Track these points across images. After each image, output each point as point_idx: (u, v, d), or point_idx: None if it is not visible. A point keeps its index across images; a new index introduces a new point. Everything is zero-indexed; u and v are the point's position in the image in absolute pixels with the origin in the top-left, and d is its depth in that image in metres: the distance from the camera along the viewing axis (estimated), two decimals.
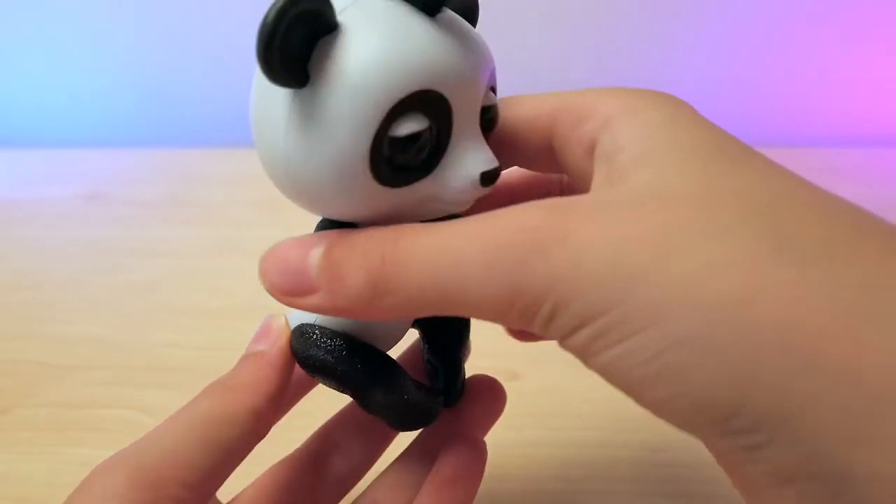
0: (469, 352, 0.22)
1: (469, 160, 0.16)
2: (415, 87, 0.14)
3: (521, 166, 0.20)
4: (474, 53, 0.15)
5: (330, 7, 0.14)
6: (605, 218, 0.13)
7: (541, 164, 0.19)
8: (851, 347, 0.11)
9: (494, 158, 0.16)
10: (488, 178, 0.16)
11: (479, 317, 0.15)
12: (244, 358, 0.20)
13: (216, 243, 0.55)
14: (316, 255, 0.16)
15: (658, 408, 0.13)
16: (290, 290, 0.16)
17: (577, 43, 0.74)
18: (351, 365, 0.18)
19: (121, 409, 0.36)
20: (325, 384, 0.19)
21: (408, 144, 0.15)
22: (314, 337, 0.19)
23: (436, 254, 0.14)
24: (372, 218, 0.17)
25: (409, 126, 0.14)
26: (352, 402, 0.24)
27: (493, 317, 0.14)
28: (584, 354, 0.14)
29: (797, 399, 0.11)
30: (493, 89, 0.17)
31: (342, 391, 0.19)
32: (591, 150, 0.16)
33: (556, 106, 0.17)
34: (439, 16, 0.15)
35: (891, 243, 0.13)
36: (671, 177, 0.14)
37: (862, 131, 0.77)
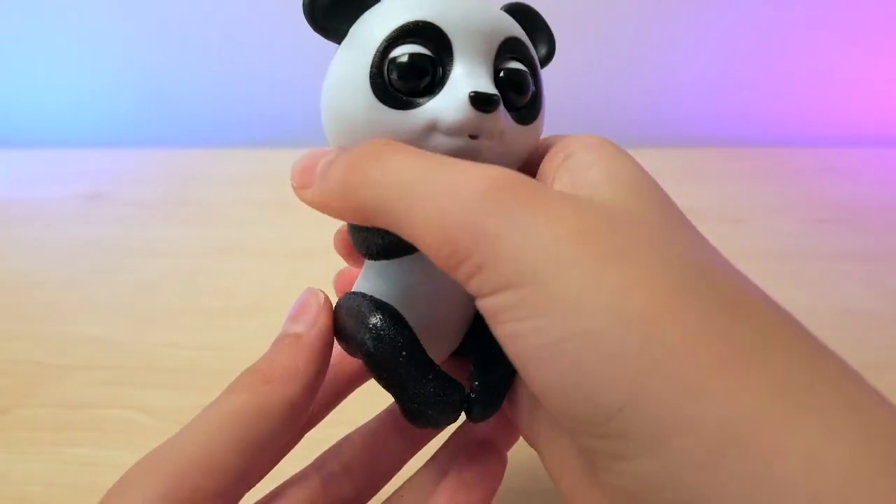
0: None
1: (462, 84, 0.17)
2: (413, 18, 0.17)
3: None
4: (485, 14, 0.18)
5: None
6: (560, 208, 0.14)
7: None
8: (727, 386, 0.12)
9: (492, 87, 0.17)
10: (478, 99, 0.16)
11: (416, 243, 0.15)
12: (280, 340, 0.19)
13: (216, 243, 0.55)
14: (325, 159, 0.18)
15: (545, 392, 0.14)
16: (298, 183, 0.19)
17: (578, 43, 0.74)
18: (395, 349, 0.18)
19: (121, 409, 0.36)
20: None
21: (404, 66, 0.17)
22: (361, 310, 0.19)
23: (400, 170, 0.15)
24: None
25: (405, 48, 0.17)
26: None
27: (427, 250, 0.15)
28: (493, 319, 0.14)
29: (675, 423, 0.12)
30: (521, 60, 0.19)
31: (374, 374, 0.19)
32: (546, 173, 0.18)
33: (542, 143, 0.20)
34: None
35: (770, 308, 0.14)
36: (627, 198, 0.16)
37: (862, 131, 0.77)
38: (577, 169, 0.17)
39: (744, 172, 0.69)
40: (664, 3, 0.72)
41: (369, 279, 0.21)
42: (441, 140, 0.17)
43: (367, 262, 0.21)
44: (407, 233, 0.15)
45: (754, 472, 0.11)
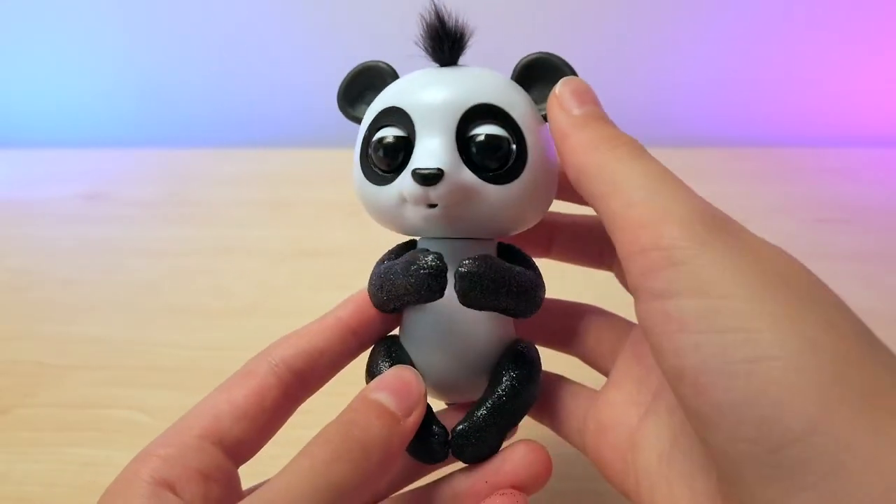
0: (514, 432, 0.22)
1: (416, 159, 0.19)
2: (386, 104, 0.20)
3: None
4: (450, 88, 0.20)
5: (373, 75, 0.22)
6: (766, 248, 0.17)
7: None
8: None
9: (439, 161, 0.19)
10: (418, 175, 0.18)
11: (611, 218, 0.18)
12: (372, 406, 0.18)
13: (216, 243, 0.55)
14: (595, 108, 0.20)
15: (721, 409, 0.14)
16: (573, 102, 0.20)
17: (578, 43, 0.74)
18: None
19: (121, 409, 0.36)
20: None
21: (381, 146, 0.20)
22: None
23: (646, 169, 0.18)
24: (387, 220, 0.21)
25: (381, 132, 0.20)
26: None
27: (626, 228, 0.17)
28: (672, 325, 0.16)
29: (856, 458, 0.13)
30: (498, 123, 0.20)
31: None
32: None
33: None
34: (454, 68, 0.21)
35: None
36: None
37: (862, 131, 0.77)
38: None
39: (744, 172, 0.69)
40: (664, 3, 0.72)
41: (402, 323, 0.23)
42: (410, 209, 0.20)
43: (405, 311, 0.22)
44: (616, 209, 0.17)
45: None
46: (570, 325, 0.26)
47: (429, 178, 0.18)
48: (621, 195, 0.17)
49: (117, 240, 0.56)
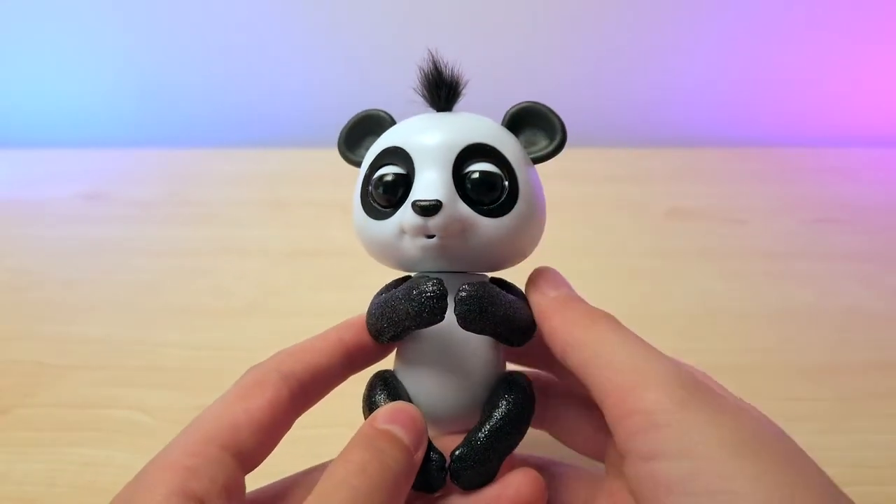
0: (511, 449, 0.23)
1: (415, 194, 0.20)
2: (388, 144, 0.22)
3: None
4: (447, 130, 0.21)
5: (372, 122, 0.24)
6: (739, 414, 0.17)
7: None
8: None
9: (437, 194, 0.20)
10: (418, 206, 0.20)
11: (593, 382, 0.19)
12: (384, 438, 0.19)
13: (216, 243, 0.55)
14: (567, 291, 0.23)
15: None
16: (550, 284, 0.22)
17: (578, 43, 0.74)
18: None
19: (121, 409, 0.36)
20: None
21: (381, 183, 0.21)
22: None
23: (624, 342, 0.20)
24: (384, 254, 0.22)
25: (382, 170, 0.21)
26: None
27: (608, 393, 0.18)
28: (659, 489, 0.17)
29: None
30: (492, 161, 0.21)
31: None
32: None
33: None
34: (449, 113, 0.23)
35: None
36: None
37: (862, 131, 0.77)
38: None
39: (744, 172, 0.69)
40: (664, 3, 0.72)
41: (397, 356, 0.23)
42: (409, 241, 0.21)
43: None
44: (601, 381, 0.19)
45: None
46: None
47: (428, 209, 0.20)
48: (605, 365, 0.19)
49: (117, 240, 0.56)
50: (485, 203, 0.21)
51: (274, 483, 0.22)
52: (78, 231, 0.57)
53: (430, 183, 0.20)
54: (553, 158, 0.22)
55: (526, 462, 0.23)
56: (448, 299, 0.20)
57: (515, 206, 0.21)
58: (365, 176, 0.22)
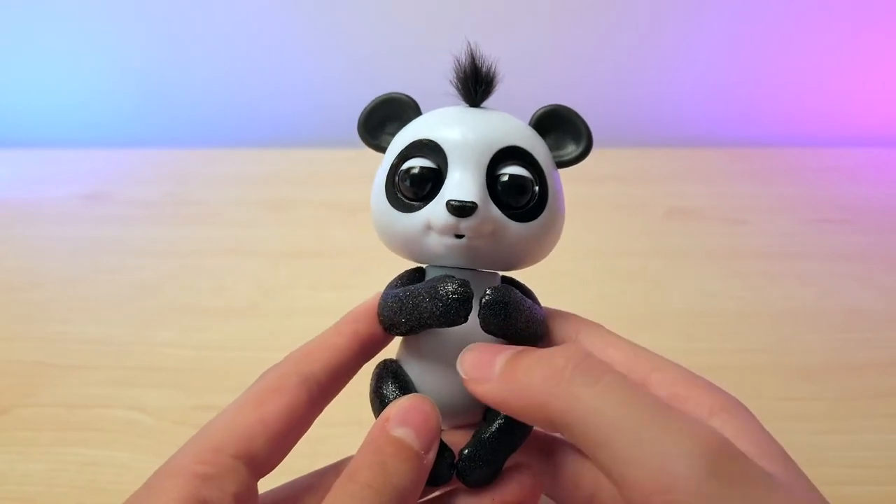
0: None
1: (447, 193, 0.20)
2: (420, 136, 0.21)
3: None
4: (482, 128, 0.21)
5: (395, 106, 0.22)
6: (770, 495, 0.15)
7: None
8: None
9: (473, 195, 0.20)
10: (452, 206, 0.19)
11: (615, 477, 0.16)
12: (394, 445, 0.18)
13: (216, 243, 0.55)
14: (504, 356, 0.19)
15: None
16: (473, 377, 0.19)
17: (579, 43, 0.74)
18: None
19: (121, 409, 0.36)
20: None
21: (410, 175, 0.21)
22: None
23: (618, 402, 0.16)
24: (404, 246, 0.22)
25: (411, 162, 0.21)
26: None
27: (631, 489, 0.15)
28: None
29: None
30: (524, 165, 0.21)
31: None
32: None
33: (649, 367, 0.20)
34: (482, 109, 0.22)
35: None
36: (786, 475, 0.16)
37: (862, 131, 0.77)
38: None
39: (744, 172, 0.69)
40: (665, 3, 0.72)
41: (404, 347, 0.23)
42: (435, 238, 0.21)
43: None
44: (609, 465, 0.16)
45: None
46: (545, 464, 0.24)
47: (463, 210, 0.19)
48: (617, 447, 0.15)
49: (117, 240, 0.56)
50: (514, 207, 0.21)
51: (285, 485, 0.22)
52: (78, 231, 0.57)
53: (466, 182, 0.20)
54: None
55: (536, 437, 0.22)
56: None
57: (544, 212, 0.21)
58: (392, 165, 0.21)
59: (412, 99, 0.23)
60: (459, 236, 0.20)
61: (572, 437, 0.16)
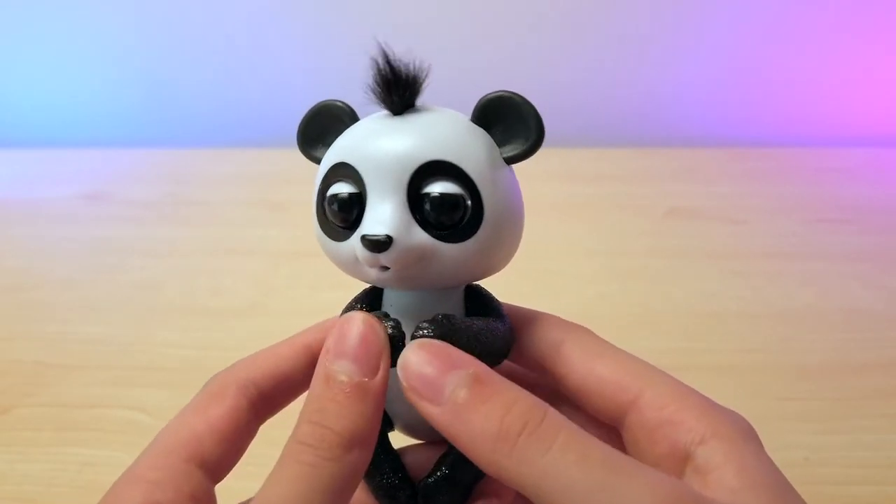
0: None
1: (366, 224, 0.18)
2: (337, 159, 0.19)
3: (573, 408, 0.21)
4: (400, 142, 0.19)
5: (329, 116, 0.21)
6: None
7: (598, 418, 0.20)
8: None
9: (387, 227, 0.18)
10: (367, 242, 0.18)
11: None
12: (334, 386, 0.17)
13: (216, 243, 0.55)
14: (457, 378, 0.17)
15: None
16: (422, 395, 0.17)
17: (578, 43, 0.74)
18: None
19: (121, 409, 0.36)
20: None
21: (334, 203, 0.19)
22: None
23: (567, 464, 0.15)
24: (349, 273, 0.20)
25: (334, 188, 0.19)
26: None
27: None
28: None
29: None
30: (452, 179, 0.19)
31: None
32: (675, 452, 0.17)
33: (640, 384, 0.19)
34: (407, 115, 0.20)
35: None
36: None
37: (862, 131, 0.77)
38: (709, 468, 0.17)
39: (744, 172, 0.69)
40: (665, 3, 0.72)
41: None
42: (367, 269, 0.19)
43: None
44: None
45: None
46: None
47: (378, 245, 0.18)
48: None
49: (117, 240, 0.56)
50: (445, 227, 0.18)
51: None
52: (78, 231, 0.57)
53: (381, 213, 0.18)
54: (529, 158, 0.20)
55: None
56: (413, 324, 0.18)
57: (480, 229, 0.19)
58: (319, 190, 0.20)
59: (347, 106, 0.21)
60: (385, 268, 0.18)
61: (525, 493, 0.16)
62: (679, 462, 0.17)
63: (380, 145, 0.19)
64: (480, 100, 0.19)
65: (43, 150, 0.75)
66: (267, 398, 0.20)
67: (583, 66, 0.74)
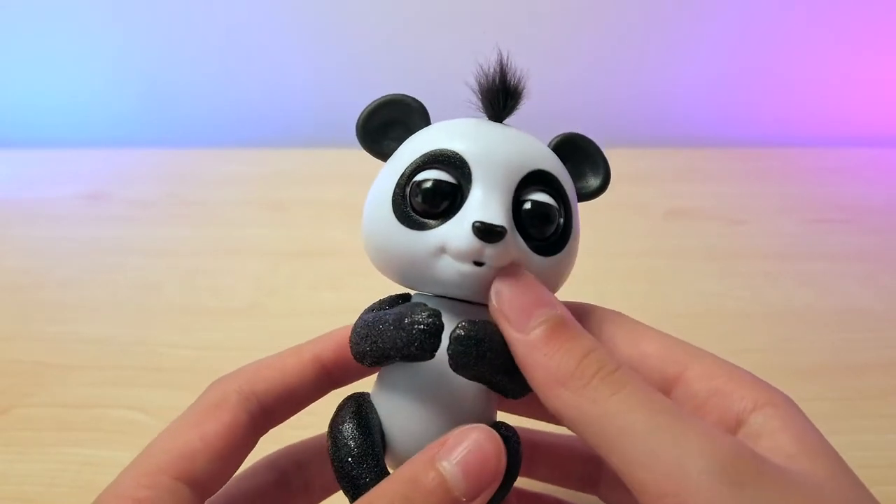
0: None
1: (471, 213, 0.17)
2: (441, 146, 0.18)
3: None
4: (511, 147, 0.19)
5: (397, 110, 0.20)
6: (793, 495, 0.15)
7: None
8: None
9: (499, 218, 0.17)
10: (480, 229, 0.17)
11: (629, 480, 0.15)
12: (435, 487, 0.16)
13: (216, 243, 0.55)
14: (548, 315, 0.17)
15: None
16: (515, 323, 0.17)
17: (578, 43, 0.74)
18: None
19: (121, 409, 0.36)
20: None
21: (425, 189, 0.18)
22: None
23: (633, 409, 0.16)
24: (401, 269, 0.19)
25: (427, 174, 0.18)
26: None
27: (644, 493, 0.15)
28: None
29: None
30: (550, 193, 0.19)
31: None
32: (725, 421, 0.18)
33: (686, 359, 0.19)
34: (503, 125, 0.20)
35: None
36: (830, 475, 0.16)
37: (862, 131, 0.77)
38: (763, 433, 0.17)
39: (744, 172, 0.69)
40: (665, 3, 0.72)
41: (377, 379, 0.21)
42: (447, 262, 0.18)
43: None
44: (622, 468, 0.15)
45: None
46: (594, 471, 0.24)
47: (492, 235, 0.17)
48: (630, 459, 0.15)
49: (117, 240, 0.56)
50: (536, 238, 0.19)
51: None
52: (78, 231, 0.57)
53: (491, 204, 0.18)
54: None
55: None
56: (445, 334, 0.17)
57: (566, 246, 0.19)
58: (403, 174, 0.19)
59: (419, 103, 0.20)
60: (479, 263, 0.18)
61: (580, 432, 0.16)
62: (729, 430, 0.17)
63: (491, 142, 0.19)
64: (556, 137, 0.20)
65: (43, 150, 0.75)
66: (269, 412, 0.19)
67: (581, 65, 0.74)
